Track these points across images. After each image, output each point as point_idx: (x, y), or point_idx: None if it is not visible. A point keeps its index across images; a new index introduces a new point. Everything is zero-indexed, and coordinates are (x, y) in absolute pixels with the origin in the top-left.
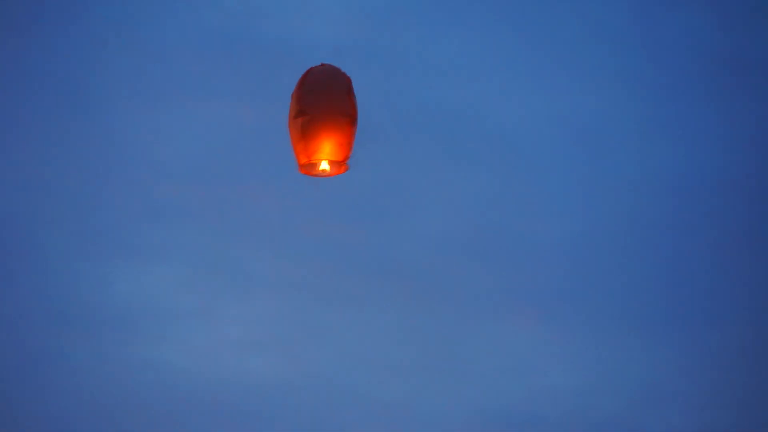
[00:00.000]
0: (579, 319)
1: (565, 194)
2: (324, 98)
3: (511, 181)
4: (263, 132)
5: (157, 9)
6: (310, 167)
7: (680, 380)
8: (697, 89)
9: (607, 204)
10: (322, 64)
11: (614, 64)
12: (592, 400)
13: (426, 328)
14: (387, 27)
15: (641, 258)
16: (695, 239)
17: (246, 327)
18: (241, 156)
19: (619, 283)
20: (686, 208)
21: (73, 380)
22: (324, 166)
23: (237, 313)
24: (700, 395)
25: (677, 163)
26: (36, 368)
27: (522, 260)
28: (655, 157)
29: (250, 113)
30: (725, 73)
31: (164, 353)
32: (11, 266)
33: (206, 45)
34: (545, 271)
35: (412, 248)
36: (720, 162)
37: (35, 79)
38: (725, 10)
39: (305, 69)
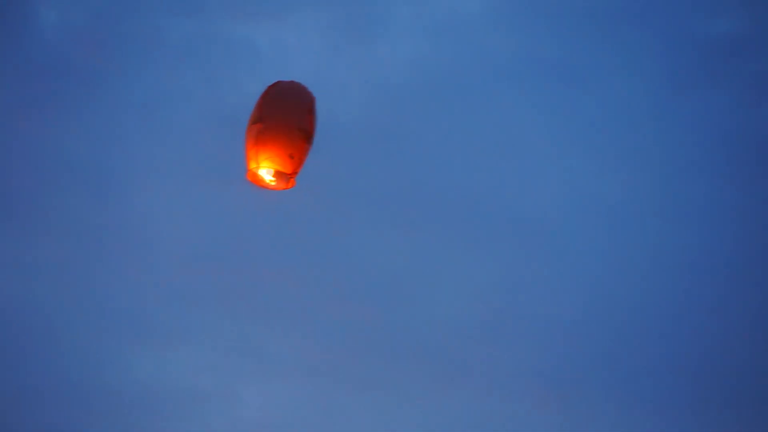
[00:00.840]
0: (597, 400)
1: (584, 275)
2: (283, 110)
3: (530, 262)
4: (284, 216)
5: (176, 91)
6: (257, 176)
7: None
8: (716, 168)
9: (626, 283)
10: (292, 81)
11: (633, 146)
12: None
13: (445, 409)
14: (408, 108)
15: (663, 338)
16: (713, 317)
17: (266, 409)
18: (261, 240)
19: (640, 365)
20: (706, 287)
21: None
22: (271, 177)
23: (257, 395)
24: None
25: (696, 242)
26: None
27: (541, 341)
28: (674, 236)
29: (272, 197)
30: (741, 151)
31: None
32: (34, 349)
33: (225, 128)
34: (563, 351)
35: (432, 330)
36: (738, 240)
37: (57, 160)
38: (740, 90)
39: (327, 151)
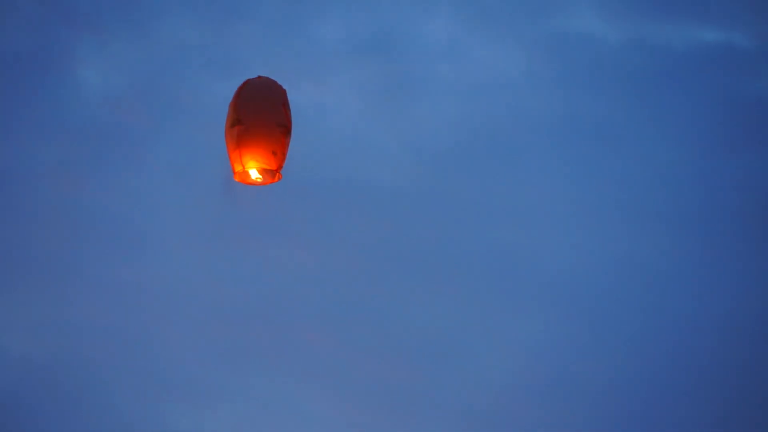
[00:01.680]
0: None
1: (618, 336)
2: (259, 109)
3: (564, 322)
4: (320, 274)
5: (213, 152)
6: (244, 175)
7: None
8: (752, 230)
9: (662, 344)
10: (259, 77)
11: (670, 207)
12: None
13: None
14: (446, 168)
15: (700, 397)
16: (753, 380)
17: None
18: (298, 298)
19: (677, 422)
20: (745, 351)
21: None
22: (257, 176)
23: None
24: None
25: (735, 306)
26: None
27: (579, 403)
28: (711, 300)
29: (309, 256)
30: None
31: None
32: (72, 407)
33: (264, 186)
34: (602, 413)
35: (469, 389)
36: None
37: (95, 219)
38: None
39: (364, 213)
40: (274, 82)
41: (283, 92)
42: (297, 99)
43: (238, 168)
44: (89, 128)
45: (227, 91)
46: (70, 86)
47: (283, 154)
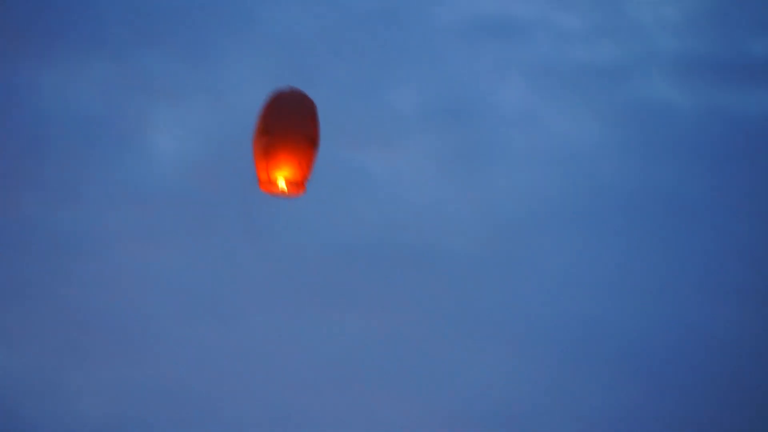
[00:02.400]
0: None
1: (696, 410)
2: (288, 120)
3: (641, 396)
4: (393, 340)
5: (290, 219)
6: (269, 185)
7: None
8: None
9: (740, 420)
10: (290, 87)
11: (748, 284)
12: None
13: None
14: (522, 237)
15: None
16: None
17: None
18: (368, 363)
19: None
20: None
21: None
22: (283, 185)
23: None
24: None
25: None
26: None
27: None
28: None
29: (380, 321)
30: None
31: None
32: None
33: (336, 255)
34: None
35: None
36: None
37: (173, 289)
38: None
39: (436, 279)
40: (304, 95)
41: (313, 106)
42: (370, 165)
43: (263, 177)
44: (162, 194)
45: None
46: (143, 152)
47: (309, 167)
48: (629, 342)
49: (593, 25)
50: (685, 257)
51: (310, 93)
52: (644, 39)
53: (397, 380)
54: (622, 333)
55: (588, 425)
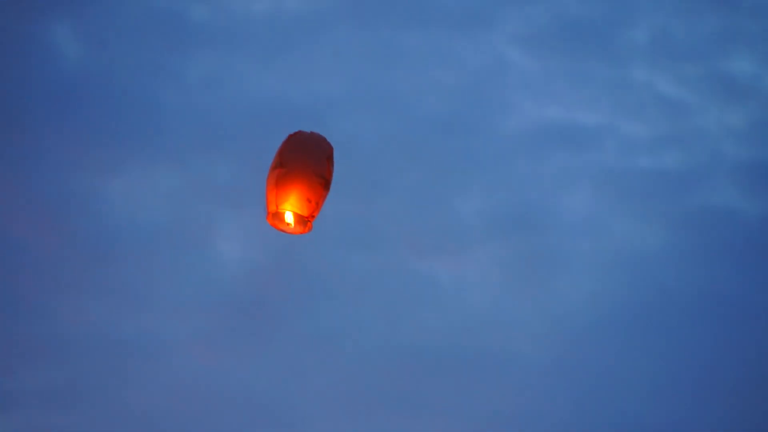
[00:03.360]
0: None
1: None
2: (303, 157)
3: None
4: None
5: (354, 325)
6: (277, 219)
7: None
8: None
9: None
10: (312, 132)
11: None
12: None
13: None
14: (585, 343)
15: None
16: None
17: None
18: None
19: None
20: None
21: None
22: (289, 219)
23: None
24: None
25: None
26: None
27: None
28: None
29: (448, 427)
30: None
31: None
32: None
33: (404, 363)
34: None
35: None
36: None
37: (237, 395)
38: None
39: (503, 384)
40: (323, 138)
41: (331, 148)
42: (436, 271)
43: (272, 208)
44: (227, 301)
45: (368, 264)
46: (207, 258)
47: (318, 205)
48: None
49: (659, 133)
50: (751, 363)
51: (376, 201)
52: (709, 146)
53: None
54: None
55: None
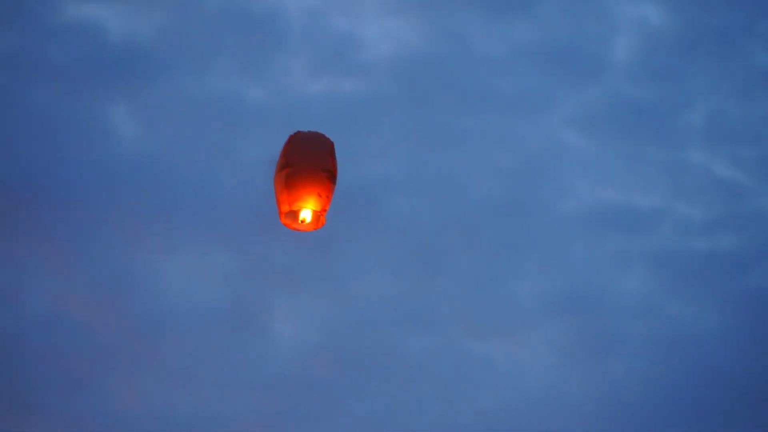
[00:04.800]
0: None
1: None
2: (307, 155)
3: None
4: None
5: (408, 405)
6: (291, 218)
7: None
8: None
9: None
10: (310, 130)
11: None
12: None
13: None
14: (636, 426)
15: None
16: None
17: None
18: None
19: None
20: None
21: None
22: (304, 215)
23: None
24: None
25: None
26: None
27: None
28: None
29: None
30: None
31: None
32: None
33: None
34: None
35: None
36: None
37: None
38: None
39: None
40: (322, 135)
41: (331, 144)
42: (491, 353)
43: (284, 208)
44: (283, 382)
45: (423, 344)
46: (263, 338)
47: (328, 198)
48: None
49: (715, 215)
50: None
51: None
52: (765, 228)
53: None
54: None
55: None
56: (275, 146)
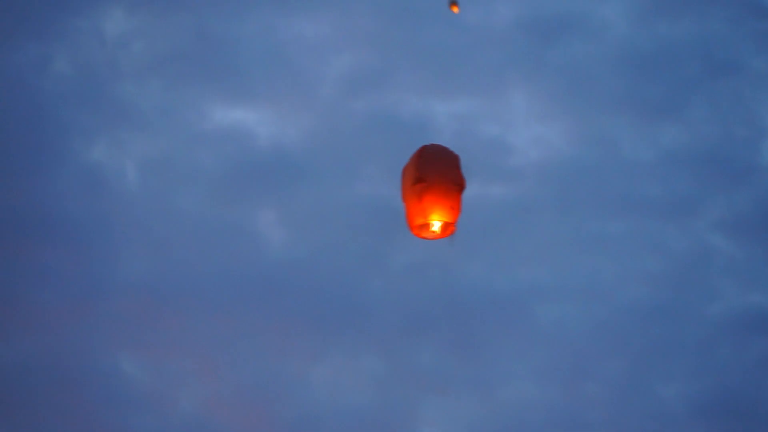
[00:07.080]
0: None
1: None
2: (439, 169)
3: None
4: None
5: None
6: (422, 228)
7: None
8: None
9: None
10: (436, 144)
11: None
12: None
13: None
14: None
15: None
16: None
17: None
18: None
19: None
20: None
21: None
22: (436, 227)
23: None
24: None
25: None
26: None
27: None
28: None
29: None
30: None
31: None
32: None
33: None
34: None
35: None
36: None
37: None
38: None
39: None
40: (449, 149)
41: (458, 157)
42: None
43: (419, 221)
44: None
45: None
46: None
47: (458, 209)
48: None
49: None
50: None
51: (580, 386)
52: None
53: None
54: None
55: None
56: (424, 252)
